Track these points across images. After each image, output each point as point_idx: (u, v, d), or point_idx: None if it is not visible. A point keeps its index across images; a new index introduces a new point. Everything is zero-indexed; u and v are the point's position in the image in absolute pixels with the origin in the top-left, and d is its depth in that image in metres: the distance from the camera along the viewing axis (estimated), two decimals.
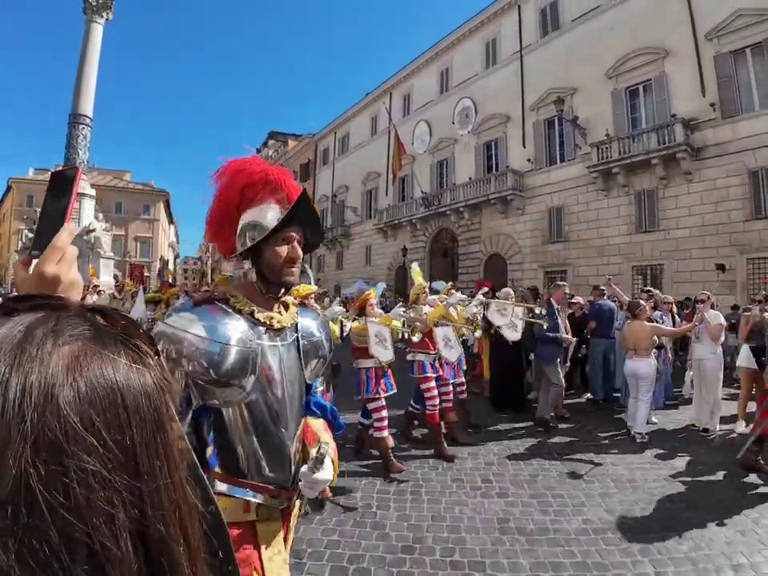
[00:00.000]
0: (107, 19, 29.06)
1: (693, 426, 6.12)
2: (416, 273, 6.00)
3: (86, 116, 27.76)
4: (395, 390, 4.78)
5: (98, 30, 28.63)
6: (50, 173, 0.77)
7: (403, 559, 3.06)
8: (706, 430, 5.86)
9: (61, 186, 0.74)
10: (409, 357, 5.28)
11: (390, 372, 4.79)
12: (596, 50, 17.81)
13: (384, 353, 4.47)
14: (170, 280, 14.99)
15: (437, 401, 5.07)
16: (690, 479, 4.40)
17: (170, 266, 43.86)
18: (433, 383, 5.08)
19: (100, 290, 11.98)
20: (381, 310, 4.50)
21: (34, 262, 0.70)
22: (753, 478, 4.46)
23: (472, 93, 23.78)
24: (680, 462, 4.87)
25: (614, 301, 8.11)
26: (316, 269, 33.97)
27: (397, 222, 26.72)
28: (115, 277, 19.35)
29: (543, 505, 3.85)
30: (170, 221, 62.50)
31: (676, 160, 14.91)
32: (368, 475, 4.48)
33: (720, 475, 4.54)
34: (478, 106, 23.24)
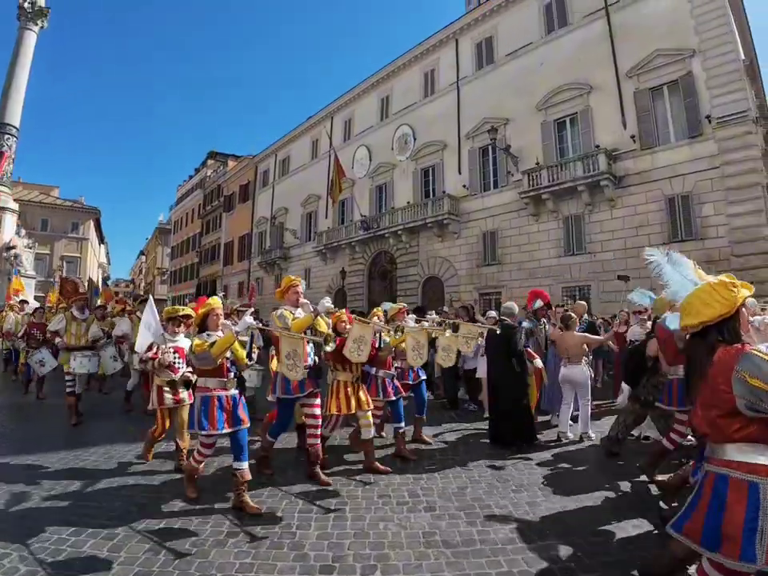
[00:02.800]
0: (42, 27, 27.81)
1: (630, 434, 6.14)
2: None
3: (13, 126, 26.17)
4: None
5: (31, 38, 27.32)
6: None
7: None
8: (647, 438, 5.87)
9: None
10: None
11: None
12: (527, 84, 18.72)
13: None
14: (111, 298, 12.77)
15: None
16: (618, 485, 4.36)
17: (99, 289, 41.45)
18: None
19: (28, 308, 10.95)
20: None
21: None
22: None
23: (411, 120, 24.33)
24: (609, 469, 4.83)
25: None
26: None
27: (336, 244, 26.61)
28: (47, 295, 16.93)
29: (471, 516, 3.68)
30: (101, 240, 59.57)
31: (600, 187, 15.72)
32: (291, 494, 4.15)
33: (647, 479, 4.50)
34: (417, 133, 23.78)
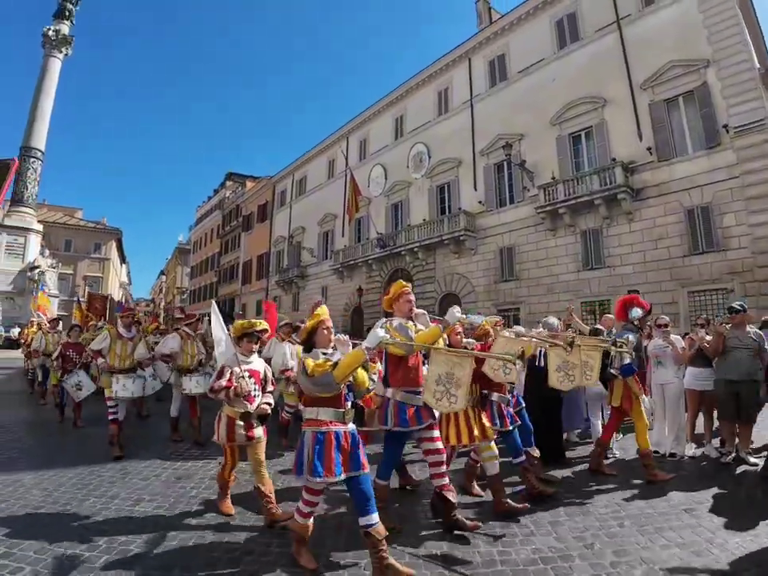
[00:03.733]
0: (66, 55, 29.04)
1: (655, 452, 5.98)
2: None
3: (38, 149, 27.26)
4: None
5: (55, 65, 28.57)
6: None
7: None
8: (672, 455, 5.70)
9: None
10: None
11: None
12: (541, 100, 18.80)
13: None
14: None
15: None
16: (642, 503, 4.21)
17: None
18: None
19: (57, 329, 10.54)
20: None
21: None
22: (706, 499, 4.30)
23: (426, 138, 24.54)
24: (633, 487, 4.69)
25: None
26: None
27: (353, 262, 26.77)
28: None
29: (491, 536, 3.57)
30: (122, 260, 60.83)
31: (617, 200, 15.60)
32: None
33: (673, 498, 4.36)
34: (432, 151, 23.97)
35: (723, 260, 13.48)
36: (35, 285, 24.30)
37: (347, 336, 3.25)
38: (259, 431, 3.92)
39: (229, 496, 4.04)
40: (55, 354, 8.11)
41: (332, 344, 3.20)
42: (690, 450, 5.77)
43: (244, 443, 3.86)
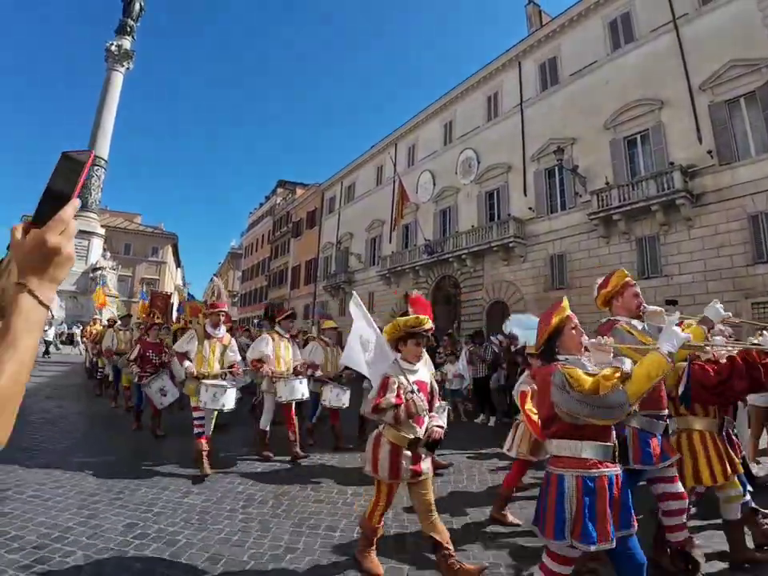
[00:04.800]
0: (128, 68, 30.78)
1: None
2: None
3: (101, 158, 28.96)
4: None
5: (118, 78, 30.32)
6: (61, 153, 0.75)
7: None
8: None
9: (71, 165, 0.76)
10: None
11: None
12: (594, 103, 18.34)
13: None
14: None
15: None
16: (693, 520, 4.06)
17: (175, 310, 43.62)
18: None
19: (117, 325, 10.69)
20: None
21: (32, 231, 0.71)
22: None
23: (475, 144, 24.40)
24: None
25: None
26: (319, 314, 33.88)
27: (400, 268, 26.82)
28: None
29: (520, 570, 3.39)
30: (178, 264, 63.38)
31: (676, 206, 14.99)
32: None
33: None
34: (481, 157, 23.78)
35: None
36: (97, 285, 25.84)
37: (607, 337, 2.39)
38: (427, 464, 3.09)
39: (375, 549, 3.13)
40: (133, 355, 7.53)
41: (583, 348, 2.37)
42: (753, 468, 5.51)
43: (410, 480, 3.03)
